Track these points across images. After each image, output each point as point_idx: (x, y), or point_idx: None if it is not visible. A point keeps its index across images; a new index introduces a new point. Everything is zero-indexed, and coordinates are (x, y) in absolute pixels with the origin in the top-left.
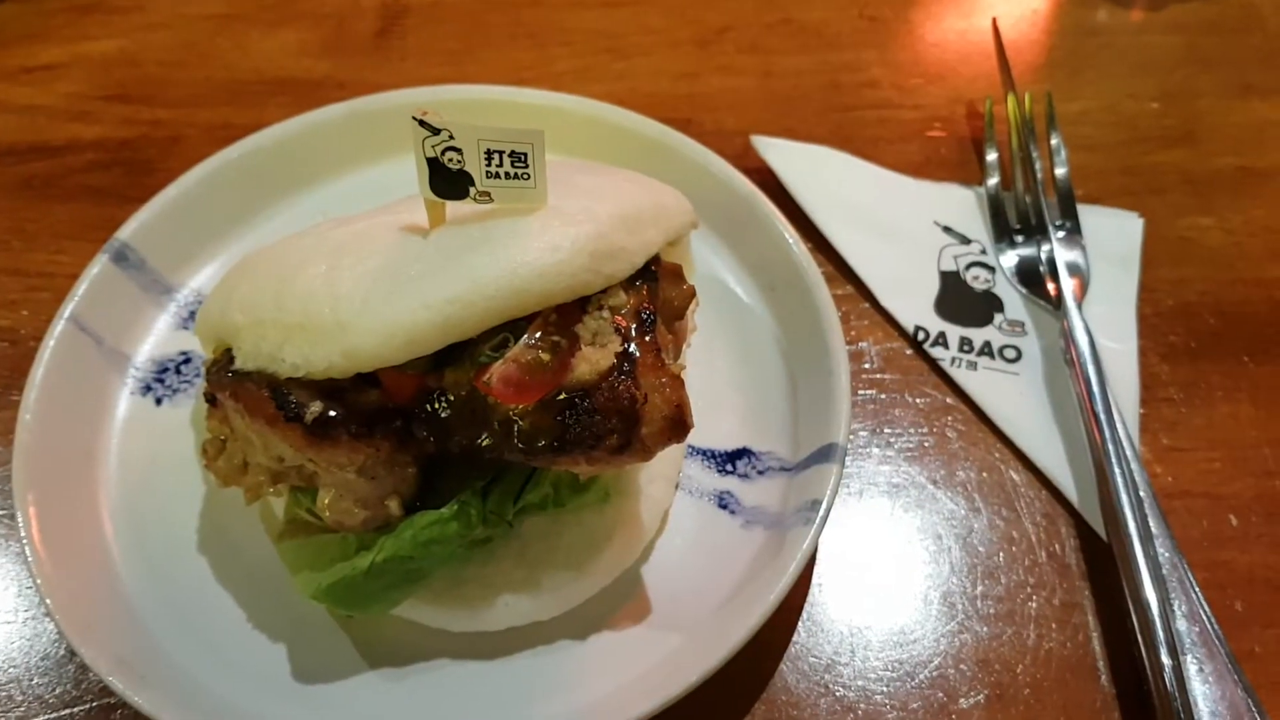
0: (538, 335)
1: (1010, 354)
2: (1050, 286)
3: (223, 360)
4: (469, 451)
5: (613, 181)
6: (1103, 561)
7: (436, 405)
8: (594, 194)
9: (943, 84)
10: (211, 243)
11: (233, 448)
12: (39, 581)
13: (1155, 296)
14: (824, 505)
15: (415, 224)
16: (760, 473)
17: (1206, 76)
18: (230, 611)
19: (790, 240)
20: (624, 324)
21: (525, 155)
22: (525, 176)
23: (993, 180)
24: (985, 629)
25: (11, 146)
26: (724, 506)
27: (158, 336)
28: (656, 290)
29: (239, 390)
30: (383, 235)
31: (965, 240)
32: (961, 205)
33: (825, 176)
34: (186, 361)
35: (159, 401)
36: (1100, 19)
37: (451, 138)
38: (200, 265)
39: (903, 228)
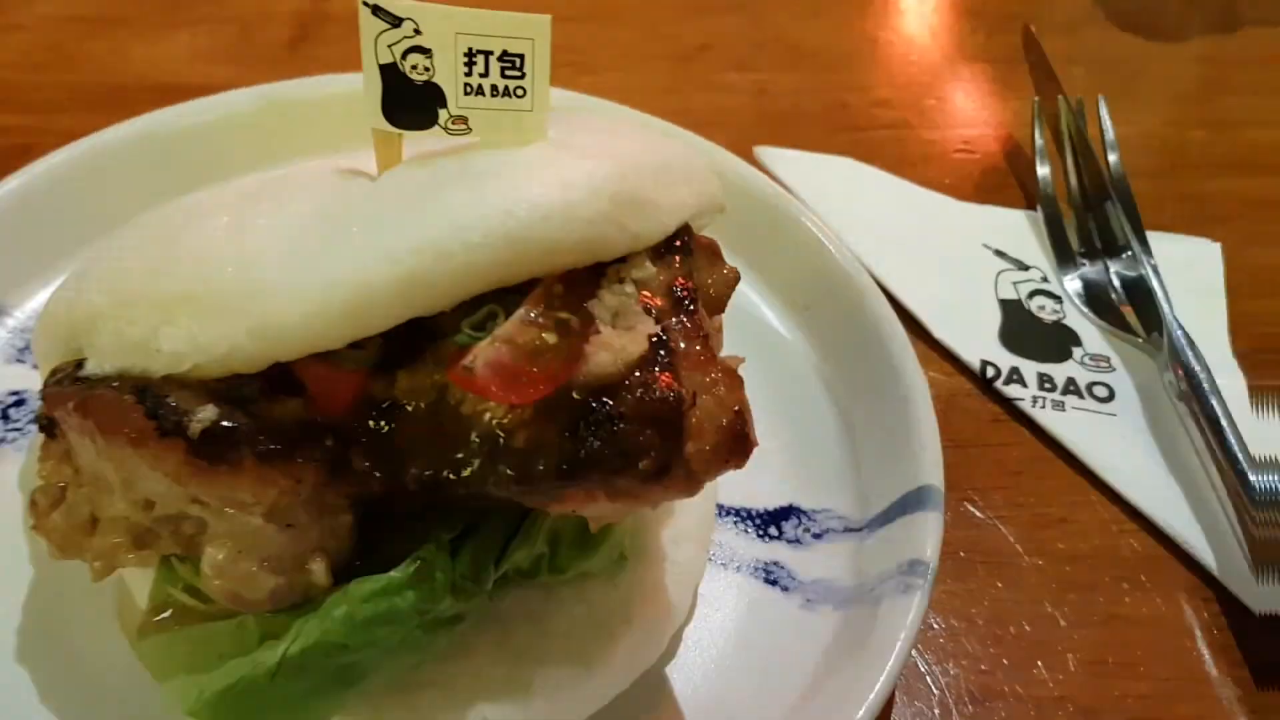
0: (538, 310)
1: (1100, 392)
2: (1127, 313)
3: (67, 369)
4: (432, 486)
5: (628, 127)
6: (1265, 639)
7: (386, 420)
8: (609, 134)
9: (963, 104)
10: (58, 257)
11: (76, 497)
12: None
13: (1243, 331)
14: (930, 564)
15: (357, 169)
16: (817, 536)
17: (1247, 103)
18: None
19: (825, 242)
20: (655, 303)
21: (520, 59)
22: (519, 93)
23: (1045, 192)
24: None
25: None
26: (773, 581)
27: None
28: (692, 267)
29: (89, 401)
30: (312, 179)
31: (1023, 266)
32: (1013, 228)
33: (850, 192)
34: (19, 404)
35: None
36: (1120, 49)
37: (418, 32)
38: (42, 284)
39: (949, 251)
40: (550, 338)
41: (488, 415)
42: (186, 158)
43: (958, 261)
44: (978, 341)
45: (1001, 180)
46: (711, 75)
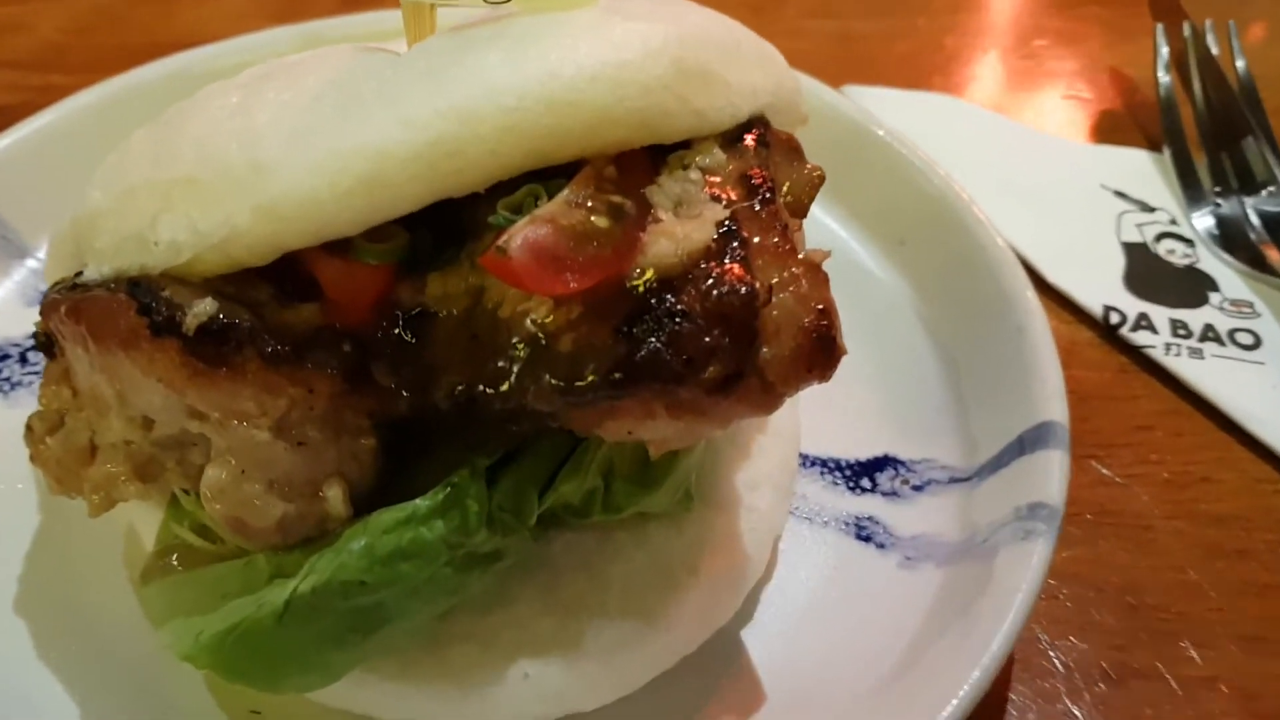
0: (587, 191)
1: (1244, 339)
2: (1270, 254)
3: (66, 280)
4: (465, 404)
5: (694, 6)
6: None
7: (413, 328)
8: (673, 4)
9: (1074, 46)
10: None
11: (74, 422)
12: None
13: None
14: (1054, 506)
15: (384, 48)
16: (917, 488)
17: None
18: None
19: (921, 168)
20: (726, 193)
21: None
22: None
23: (1171, 127)
24: None
25: None
26: (866, 538)
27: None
28: (769, 161)
29: (80, 304)
30: (332, 57)
31: (1147, 208)
32: (1134, 168)
33: (950, 130)
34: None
35: None
36: None
37: None
38: None
39: (1063, 192)
40: (601, 221)
41: (529, 318)
42: None
43: (1073, 203)
44: (1099, 286)
45: (1118, 123)
46: (790, 22)
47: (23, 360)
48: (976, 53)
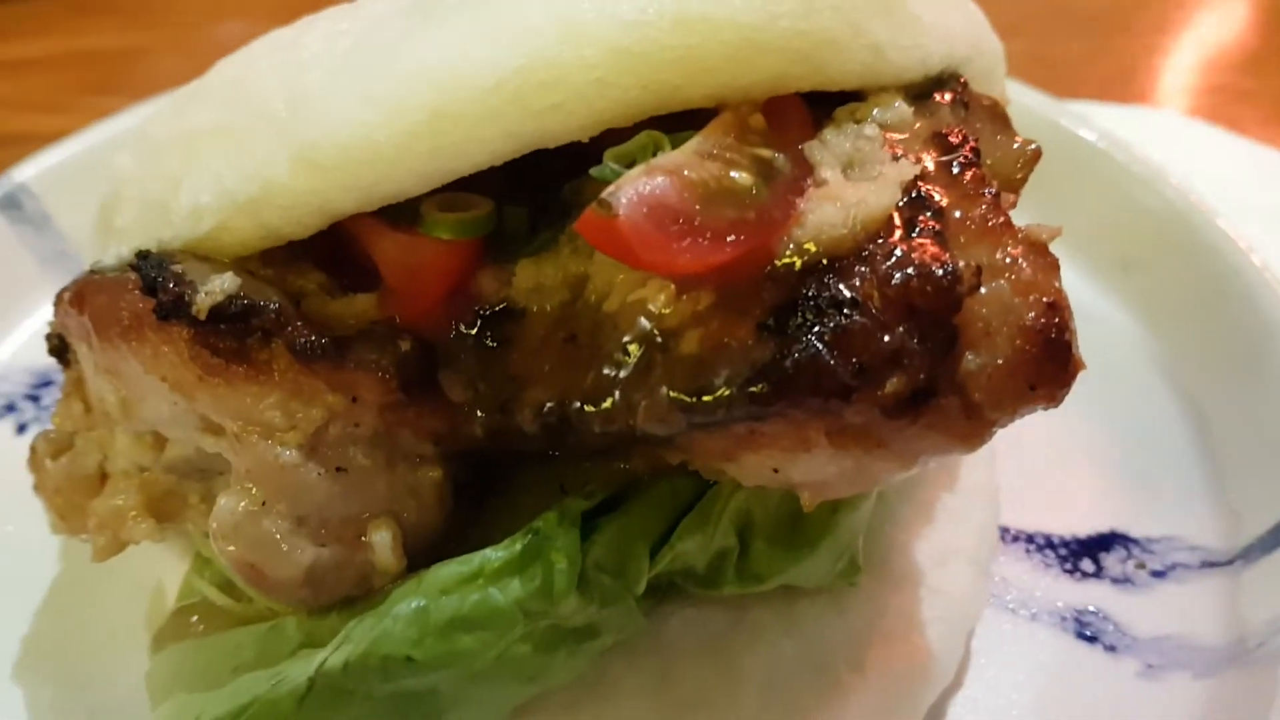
0: (725, 141)
1: None
2: None
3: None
4: (557, 427)
5: None
6: None
7: (494, 328)
8: None
9: None
10: None
11: (84, 443)
12: None
13: None
14: None
15: None
16: (1157, 574)
17: None
18: None
19: (1148, 178)
20: (913, 155)
21: None
22: None
23: None
24: None
25: None
26: (1091, 637)
27: (43, 331)
28: (972, 123)
29: (84, 289)
30: None
31: None
32: None
33: (1175, 148)
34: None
35: (22, 429)
36: None
37: None
38: None
39: None
40: (743, 177)
41: (643, 310)
42: None
43: None
44: None
45: None
46: None
47: None
48: (1189, 74)
